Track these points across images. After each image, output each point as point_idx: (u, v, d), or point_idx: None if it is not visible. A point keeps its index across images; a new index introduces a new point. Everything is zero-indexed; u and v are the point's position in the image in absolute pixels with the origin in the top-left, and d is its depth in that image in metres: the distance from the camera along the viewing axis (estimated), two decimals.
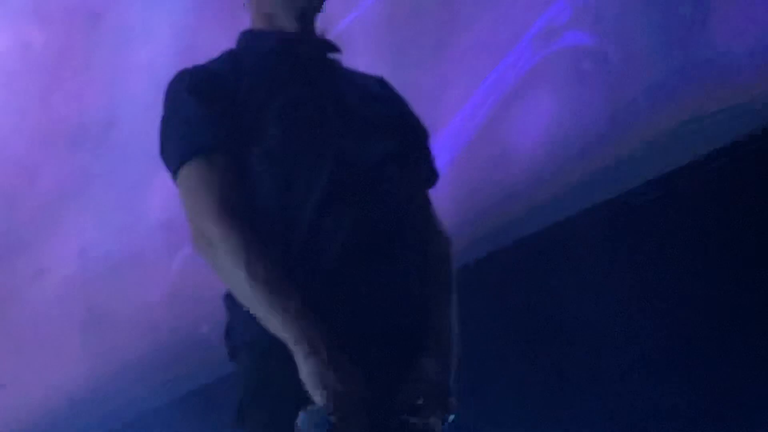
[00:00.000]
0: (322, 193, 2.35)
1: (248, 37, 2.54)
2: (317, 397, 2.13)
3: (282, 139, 2.38)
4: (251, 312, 2.25)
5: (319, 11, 2.51)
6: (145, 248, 5.18)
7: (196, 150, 2.37)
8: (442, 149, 2.80)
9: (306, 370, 2.15)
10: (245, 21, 2.55)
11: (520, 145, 4.22)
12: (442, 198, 2.59)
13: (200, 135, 2.37)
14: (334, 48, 2.54)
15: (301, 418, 2.12)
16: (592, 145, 4.03)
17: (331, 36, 2.52)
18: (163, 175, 2.48)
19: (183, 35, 5.06)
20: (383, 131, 2.50)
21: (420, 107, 2.63)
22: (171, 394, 5.02)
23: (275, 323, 2.20)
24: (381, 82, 2.59)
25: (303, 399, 2.14)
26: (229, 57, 2.51)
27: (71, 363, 5.50)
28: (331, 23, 2.63)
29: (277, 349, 2.20)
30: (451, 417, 2.27)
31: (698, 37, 3.83)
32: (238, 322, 2.32)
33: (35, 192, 5.70)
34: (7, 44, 5.85)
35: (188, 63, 2.49)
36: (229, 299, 2.33)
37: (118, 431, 5.42)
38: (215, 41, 2.58)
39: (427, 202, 2.54)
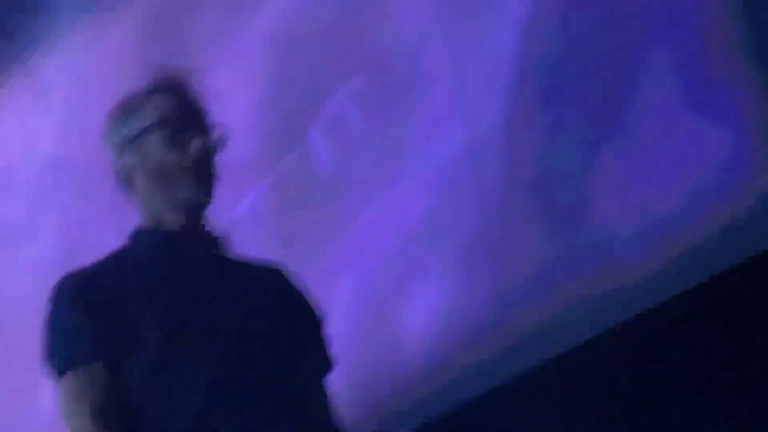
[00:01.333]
0: (201, 409, 2.34)
1: (135, 236, 2.54)
2: None
3: (162, 346, 2.37)
4: None
5: (207, 206, 2.53)
6: None
7: (76, 361, 2.36)
8: (335, 337, 2.79)
9: None
10: (136, 217, 2.57)
11: (411, 334, 4.17)
12: (339, 385, 2.59)
13: (80, 346, 2.37)
14: (223, 243, 2.55)
15: None
16: (481, 331, 4.00)
17: (219, 228, 2.52)
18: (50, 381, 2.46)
19: (70, 232, 4.92)
20: (273, 326, 2.50)
21: (311, 296, 2.68)
22: None
23: None
24: (276, 272, 2.62)
25: None
26: (114, 257, 2.52)
27: None
28: (220, 215, 2.62)
29: None
30: None
31: (580, 222, 3.86)
32: None
33: None
34: None
35: (75, 263, 2.52)
36: None
37: None
38: (104, 238, 2.64)
39: (323, 391, 2.55)
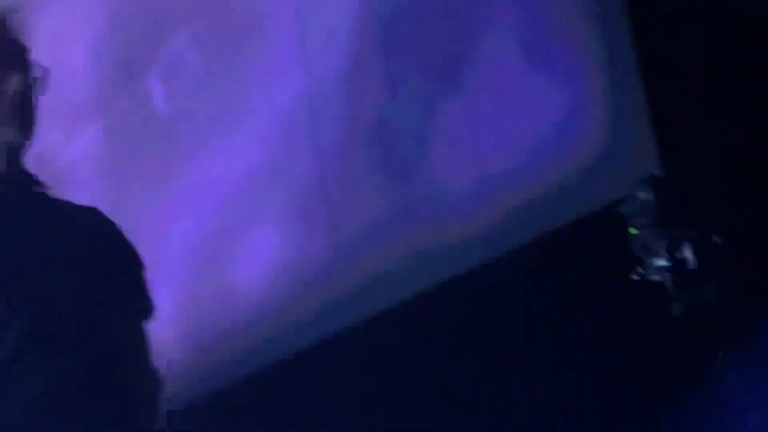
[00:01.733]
0: (9, 352, 2.29)
1: None
2: None
3: None
4: None
5: (26, 147, 2.45)
6: None
7: None
8: (165, 286, 2.78)
9: None
10: None
11: (244, 280, 4.24)
12: (169, 335, 2.59)
13: None
14: (42, 184, 2.48)
15: None
16: (316, 280, 4.08)
17: (51, 169, 2.50)
18: None
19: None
20: (90, 268, 2.45)
21: (143, 243, 2.62)
22: None
23: None
24: (93, 212, 2.56)
25: None
26: None
27: None
28: (54, 154, 2.58)
29: None
30: None
31: (417, 174, 3.91)
32: None
33: None
34: None
35: None
36: None
37: None
38: None
39: (143, 340, 2.49)
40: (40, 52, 2.54)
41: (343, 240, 4.02)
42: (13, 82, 2.39)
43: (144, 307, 2.56)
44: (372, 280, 3.89)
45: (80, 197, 2.67)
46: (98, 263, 2.48)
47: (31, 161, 2.53)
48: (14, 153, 2.43)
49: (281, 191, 4.22)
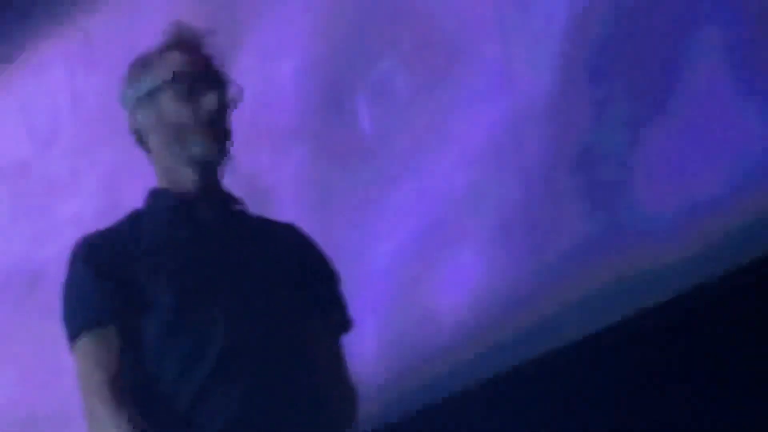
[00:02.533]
0: (211, 369, 2.36)
1: (149, 196, 2.54)
2: None
3: (172, 307, 2.38)
4: None
5: (221, 164, 2.50)
6: (67, 406, 4.78)
7: (89, 324, 2.38)
8: (367, 308, 2.80)
9: None
10: None
11: (447, 303, 4.18)
12: (369, 355, 2.59)
13: (93, 309, 2.38)
14: (238, 201, 2.55)
15: None
16: (518, 305, 4.03)
17: (258, 190, 2.51)
18: None
19: (111, 188, 4.96)
20: (288, 284, 2.50)
21: (346, 264, 2.67)
22: None
23: None
24: (290, 228, 2.61)
25: None
26: (130, 218, 2.51)
27: None
28: (260, 176, 2.61)
29: None
30: None
31: (622, 200, 3.85)
32: None
33: None
34: None
35: (114, 218, 2.54)
36: None
37: None
38: (140, 194, 2.60)
39: (338, 355, 2.54)
40: (247, 71, 2.57)
41: (546, 265, 3.95)
42: (209, 101, 2.45)
43: (340, 321, 2.58)
44: (575, 306, 3.83)
45: (285, 218, 2.72)
46: (295, 277, 2.52)
47: (238, 182, 2.60)
48: (211, 170, 2.48)
49: (485, 215, 4.15)
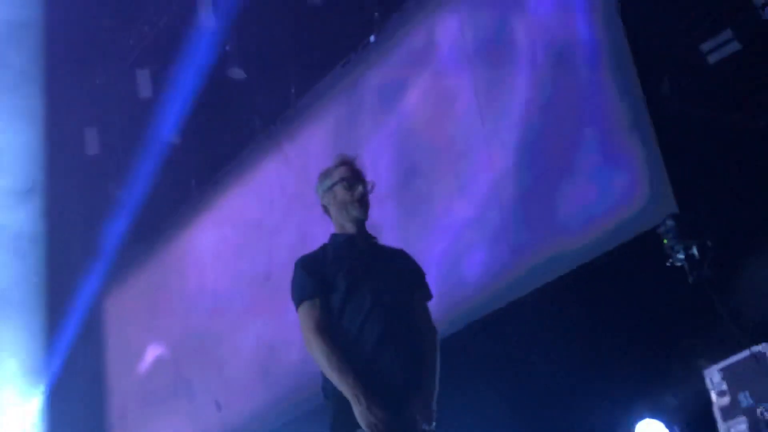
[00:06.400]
0: (365, 316, 2.38)
1: (332, 237, 2.56)
2: (363, 424, 2.26)
3: (345, 289, 2.41)
4: (332, 379, 2.34)
5: (365, 218, 2.53)
6: (291, 338, 4.79)
7: (306, 296, 2.42)
8: (431, 281, 2.65)
9: (356, 411, 2.27)
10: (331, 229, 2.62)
11: (468, 276, 4.12)
12: (431, 303, 2.60)
13: (307, 289, 2.42)
14: (372, 237, 2.57)
15: None
16: (498, 276, 3.88)
17: (371, 230, 2.61)
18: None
19: (312, 235, 4.42)
20: (401, 276, 2.51)
21: (420, 261, 2.68)
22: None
23: (341, 387, 2.31)
24: (401, 252, 2.62)
25: (357, 424, 2.28)
26: (322, 248, 2.54)
27: None
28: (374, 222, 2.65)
29: (344, 397, 2.30)
30: (433, 424, 2.33)
31: (550, 216, 3.73)
32: (328, 384, 2.38)
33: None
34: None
35: (306, 250, 2.56)
36: (322, 374, 2.39)
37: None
38: (322, 237, 2.63)
39: (426, 310, 2.53)
40: (366, 168, 2.62)
41: (517, 254, 3.90)
42: (359, 190, 2.51)
43: (427, 294, 2.54)
44: (530, 272, 3.79)
45: (386, 242, 2.67)
46: (405, 272, 2.53)
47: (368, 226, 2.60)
48: (361, 223, 2.53)
49: (487, 234, 4.03)
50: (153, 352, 6.08)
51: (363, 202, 2.50)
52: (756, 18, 3.26)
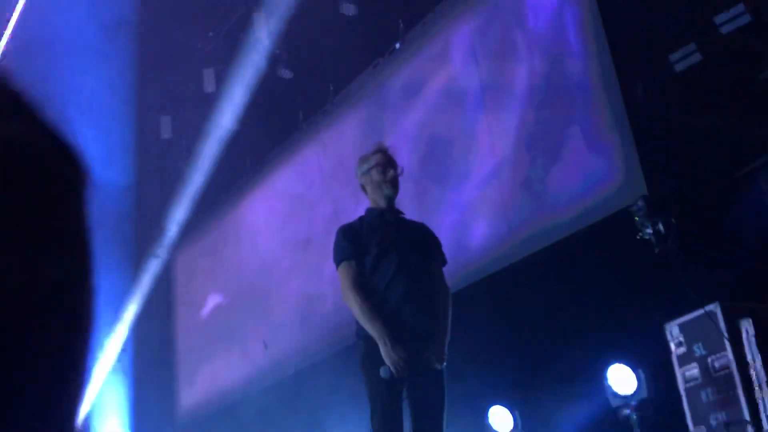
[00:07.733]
0: (392, 275, 2.39)
1: (367, 210, 2.56)
2: (387, 361, 2.29)
3: (377, 253, 2.42)
4: (364, 325, 2.35)
5: (395, 196, 2.53)
6: (327, 291, 4.78)
7: (345, 258, 2.42)
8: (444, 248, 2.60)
9: (382, 350, 2.28)
10: (366, 203, 2.60)
11: (472, 242, 4.06)
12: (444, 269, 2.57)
13: (346, 252, 2.43)
14: (400, 212, 2.57)
15: (381, 369, 2.30)
16: (496, 243, 3.91)
17: (398, 206, 2.61)
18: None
19: (344, 208, 4.63)
20: (422, 245, 2.53)
21: (435, 231, 2.64)
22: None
23: (372, 331, 2.32)
24: (422, 225, 2.63)
25: (383, 361, 2.31)
26: (359, 219, 2.55)
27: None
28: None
29: (373, 339, 2.32)
30: (444, 364, 2.34)
31: (543, 196, 3.69)
32: (360, 328, 2.39)
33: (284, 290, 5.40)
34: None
35: (347, 219, 2.58)
36: (356, 320, 2.40)
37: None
38: (359, 210, 2.63)
39: (442, 273, 2.54)
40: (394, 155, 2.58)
41: (514, 224, 3.85)
42: (391, 173, 2.51)
43: (443, 259, 2.53)
44: (524, 241, 3.77)
45: (411, 215, 2.65)
46: (425, 240, 2.55)
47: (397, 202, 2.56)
48: (392, 200, 2.53)
49: (489, 210, 4.01)
50: (213, 301, 6.15)
51: (394, 184, 2.50)
52: (716, 33, 3.27)
